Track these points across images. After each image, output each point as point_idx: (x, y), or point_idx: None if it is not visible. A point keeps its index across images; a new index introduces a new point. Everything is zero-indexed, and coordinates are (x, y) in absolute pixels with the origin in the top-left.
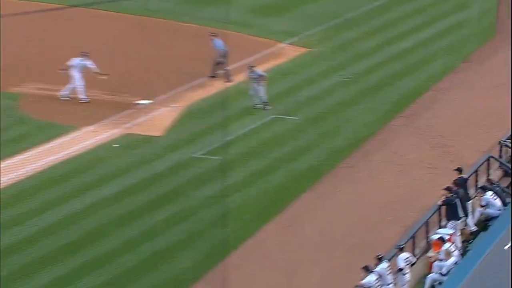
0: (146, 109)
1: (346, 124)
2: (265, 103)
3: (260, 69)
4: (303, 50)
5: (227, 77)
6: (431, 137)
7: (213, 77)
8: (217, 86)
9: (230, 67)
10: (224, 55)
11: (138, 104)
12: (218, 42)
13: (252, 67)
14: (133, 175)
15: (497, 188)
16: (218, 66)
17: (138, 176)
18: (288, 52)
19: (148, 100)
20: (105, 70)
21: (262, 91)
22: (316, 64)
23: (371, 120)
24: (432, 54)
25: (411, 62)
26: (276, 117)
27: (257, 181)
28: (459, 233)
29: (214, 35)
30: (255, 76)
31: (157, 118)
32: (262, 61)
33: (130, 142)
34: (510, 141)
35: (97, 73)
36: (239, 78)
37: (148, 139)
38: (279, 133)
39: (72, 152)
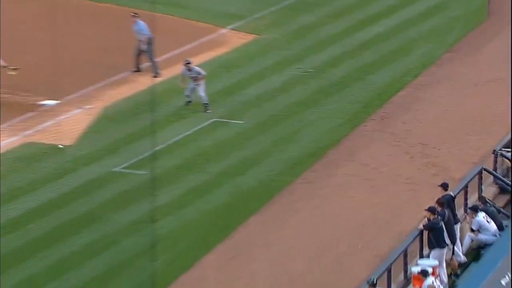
0: (52, 111)
1: (305, 130)
2: (205, 105)
3: (197, 66)
4: (250, 37)
5: (155, 70)
6: (410, 145)
7: (137, 71)
8: (143, 82)
9: (159, 58)
10: (149, 41)
11: (42, 105)
12: (141, 25)
13: (188, 63)
14: (36, 195)
15: (491, 209)
16: (142, 57)
17: (42, 197)
18: (232, 39)
19: (56, 100)
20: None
21: (201, 90)
22: (267, 54)
23: (336, 124)
24: (410, 42)
25: (384, 52)
26: (217, 121)
27: (194, 201)
28: (445, 265)
29: (136, 15)
30: (192, 75)
31: (66, 123)
32: (199, 50)
33: (32, 153)
34: (509, 149)
35: (4, 67)
36: (170, 72)
37: (55, 150)
38: (221, 141)
39: None
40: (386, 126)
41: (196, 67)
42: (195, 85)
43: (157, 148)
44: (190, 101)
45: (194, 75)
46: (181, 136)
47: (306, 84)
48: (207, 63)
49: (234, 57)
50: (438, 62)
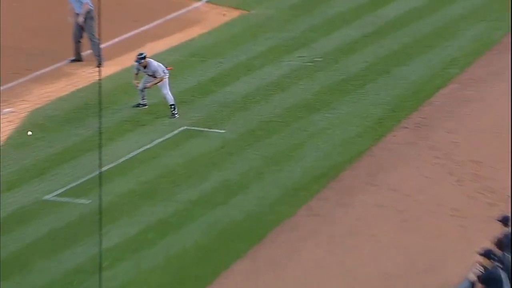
0: None
1: (311, 142)
2: (170, 108)
3: (154, 59)
4: (234, 13)
5: (99, 58)
6: (457, 164)
7: (77, 59)
8: (85, 76)
9: (108, 42)
10: (90, 15)
11: None
12: None
13: (142, 57)
14: None
15: None
16: (82, 40)
17: None
18: (209, 17)
19: None
20: None
21: (164, 87)
22: (258, 38)
23: (354, 135)
24: (456, 21)
25: (420, 34)
26: (188, 129)
27: (157, 241)
28: None
29: None
30: (149, 73)
31: None
32: (163, 32)
33: None
34: None
35: None
36: (124, 61)
37: None
38: (194, 157)
39: None
40: (423, 136)
41: (154, 63)
42: (155, 81)
43: (106, 168)
44: (143, 104)
45: (151, 73)
46: (139, 150)
47: (312, 79)
48: (175, 50)
49: (213, 42)
50: (495, 48)
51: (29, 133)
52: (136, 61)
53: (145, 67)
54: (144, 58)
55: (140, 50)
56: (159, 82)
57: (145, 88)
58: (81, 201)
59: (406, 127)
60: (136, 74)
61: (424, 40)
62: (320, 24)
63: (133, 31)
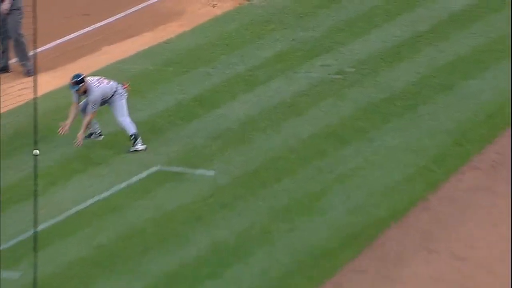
0: None
1: (338, 188)
2: (131, 139)
3: (104, 78)
4: (229, 4)
5: (27, 65)
6: None
7: (2, 69)
8: (14, 93)
9: (43, 46)
10: (18, 5)
11: None
12: None
13: (79, 81)
14: None
15: None
16: (7, 43)
17: None
18: (193, 9)
19: None
20: None
21: (119, 111)
22: (261, 39)
23: (401, 178)
24: None
25: (495, 33)
26: (162, 170)
27: None
28: None
29: None
30: (93, 97)
31: None
32: (127, 31)
33: None
34: None
35: None
36: (68, 72)
37: None
38: (170, 210)
39: None
40: (502, 180)
41: (97, 89)
42: (104, 98)
43: (44, 226)
44: (98, 134)
45: (95, 100)
46: (92, 201)
47: (341, 98)
48: (143, 56)
49: (197, 44)
50: None
51: (36, 151)
52: (71, 88)
53: (85, 92)
54: (82, 82)
55: (93, 57)
56: (86, 126)
57: (95, 101)
58: (8, 274)
59: (478, 167)
60: (78, 102)
61: (503, 41)
62: (352, 19)
63: (82, 29)
